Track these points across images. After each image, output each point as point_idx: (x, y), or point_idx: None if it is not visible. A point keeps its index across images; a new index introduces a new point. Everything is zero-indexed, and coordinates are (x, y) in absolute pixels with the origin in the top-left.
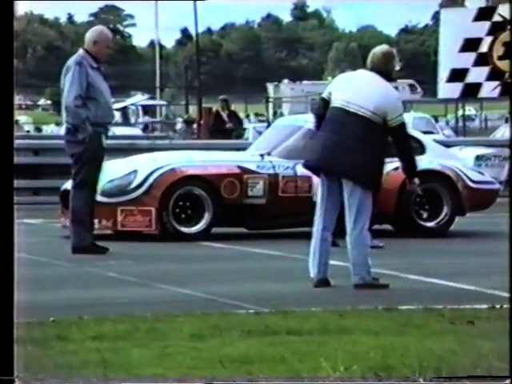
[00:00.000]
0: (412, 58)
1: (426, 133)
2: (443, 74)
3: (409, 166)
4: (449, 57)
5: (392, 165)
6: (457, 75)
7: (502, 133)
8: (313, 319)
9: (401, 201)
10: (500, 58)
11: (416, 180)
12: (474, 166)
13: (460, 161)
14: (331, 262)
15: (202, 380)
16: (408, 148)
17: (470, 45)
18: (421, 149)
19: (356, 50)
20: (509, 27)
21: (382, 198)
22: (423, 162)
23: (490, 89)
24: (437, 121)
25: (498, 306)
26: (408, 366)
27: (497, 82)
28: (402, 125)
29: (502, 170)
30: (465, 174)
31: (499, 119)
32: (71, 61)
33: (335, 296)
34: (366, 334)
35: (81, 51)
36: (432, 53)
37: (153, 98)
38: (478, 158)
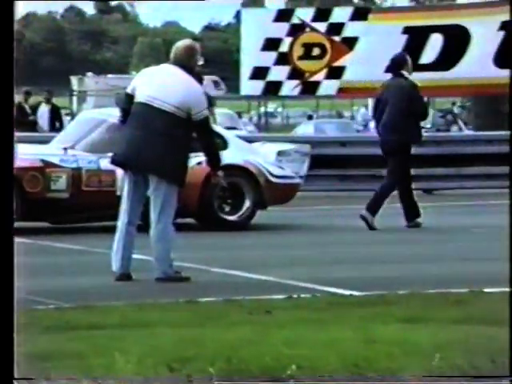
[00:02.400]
0: (215, 55)
1: (229, 128)
2: (245, 71)
3: (213, 159)
4: (250, 55)
5: (196, 159)
6: (258, 73)
7: (302, 129)
8: (114, 313)
9: (204, 195)
10: (300, 58)
11: (220, 173)
12: (276, 161)
13: (262, 156)
14: (134, 256)
15: None
16: (212, 141)
17: (271, 44)
18: (224, 144)
19: (160, 46)
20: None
21: (186, 192)
22: (226, 157)
23: (290, 87)
24: (240, 117)
25: (295, 296)
26: (202, 357)
27: (297, 81)
28: (206, 119)
29: (303, 165)
30: (266, 169)
31: (301, 116)
32: None
33: (137, 290)
34: (166, 326)
35: None
36: (235, 50)
37: None
38: (280, 153)
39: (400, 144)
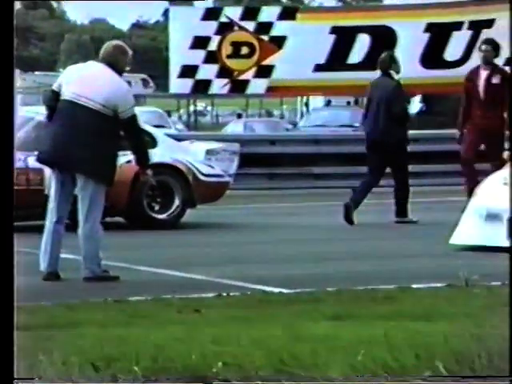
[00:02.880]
0: (144, 52)
1: (158, 127)
2: (174, 69)
3: (141, 158)
4: (179, 53)
5: (124, 158)
6: (187, 71)
7: (232, 128)
8: (41, 313)
9: (133, 193)
10: (228, 56)
11: (149, 171)
12: (205, 159)
13: (191, 154)
14: (62, 255)
15: None
16: (141, 140)
17: (199, 43)
18: (153, 142)
19: (88, 43)
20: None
21: (115, 191)
22: (155, 156)
23: (219, 86)
24: (169, 115)
25: (224, 294)
26: (128, 357)
27: (226, 80)
28: (134, 117)
29: (232, 164)
30: (195, 168)
31: (230, 115)
32: None
33: (65, 289)
34: (93, 326)
35: None
36: (164, 48)
37: None
38: (209, 152)
39: (385, 143)
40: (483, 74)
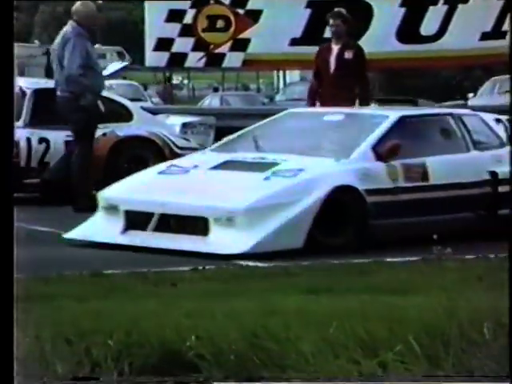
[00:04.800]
0: (120, 26)
1: (134, 100)
2: (150, 42)
3: None
4: (154, 26)
5: (100, 131)
6: (163, 44)
7: (208, 101)
8: (16, 286)
9: (108, 166)
10: (204, 30)
11: None
12: (181, 133)
13: (167, 128)
14: (38, 228)
15: None
16: None
17: (175, 16)
18: (128, 115)
19: (63, 15)
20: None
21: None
22: (130, 129)
23: (195, 59)
24: (146, 89)
25: (200, 268)
26: (102, 330)
27: (202, 53)
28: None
29: (208, 138)
30: (171, 141)
31: (207, 89)
32: (69, 32)
33: (40, 262)
34: (69, 299)
35: (73, 23)
36: (139, 21)
37: None
38: (185, 125)
39: None
40: (335, 49)
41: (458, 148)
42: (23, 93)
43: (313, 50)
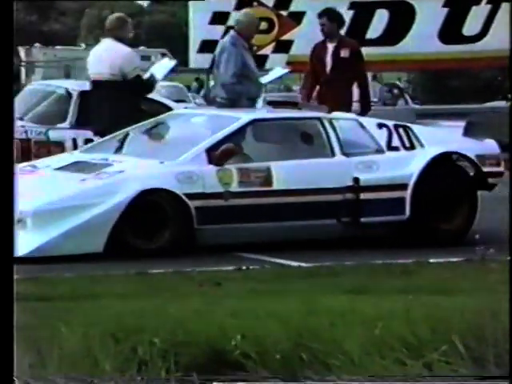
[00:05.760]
0: (164, 28)
1: (178, 101)
2: (194, 44)
3: None
4: (199, 28)
5: None
6: (207, 46)
7: None
8: (63, 285)
9: None
10: None
11: None
12: None
13: None
14: None
15: None
16: None
17: (219, 18)
18: None
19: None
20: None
21: None
22: None
23: None
24: (189, 90)
25: (244, 268)
26: (148, 329)
27: None
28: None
29: None
30: None
31: None
32: (226, 41)
33: (87, 262)
34: (114, 298)
35: (233, 33)
36: (183, 24)
37: None
38: None
39: None
40: (330, 47)
41: (320, 153)
42: (69, 94)
43: None
